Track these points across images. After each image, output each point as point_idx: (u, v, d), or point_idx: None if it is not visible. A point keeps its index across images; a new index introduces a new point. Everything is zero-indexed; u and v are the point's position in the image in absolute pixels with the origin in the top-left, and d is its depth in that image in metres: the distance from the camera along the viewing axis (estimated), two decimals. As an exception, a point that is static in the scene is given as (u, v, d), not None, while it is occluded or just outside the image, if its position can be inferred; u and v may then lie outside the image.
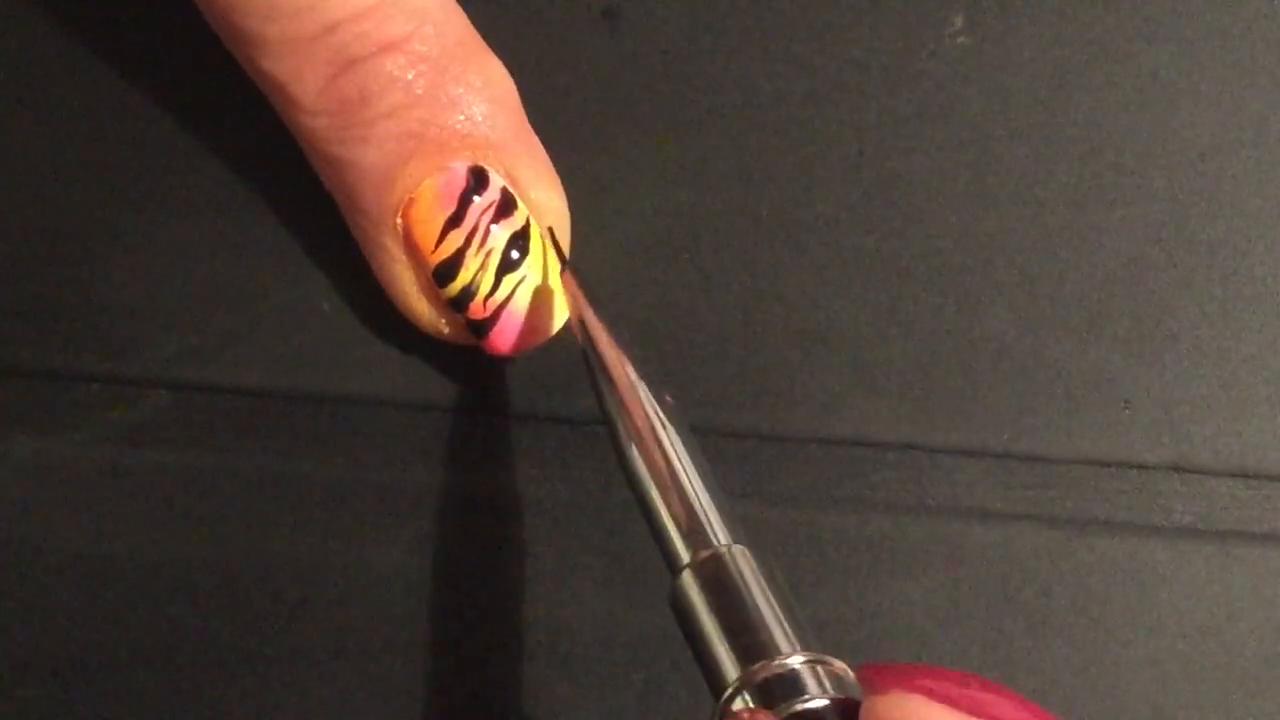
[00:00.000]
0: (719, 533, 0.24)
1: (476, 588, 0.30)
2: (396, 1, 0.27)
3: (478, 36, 0.29)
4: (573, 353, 0.28)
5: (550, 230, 0.29)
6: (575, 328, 0.28)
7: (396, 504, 0.30)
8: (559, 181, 0.30)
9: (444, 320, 0.29)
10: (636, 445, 0.25)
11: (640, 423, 0.25)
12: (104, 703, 0.30)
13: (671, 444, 0.25)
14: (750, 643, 0.23)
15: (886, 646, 0.30)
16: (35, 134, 0.31)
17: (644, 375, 0.26)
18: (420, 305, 0.29)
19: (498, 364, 0.30)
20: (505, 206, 0.29)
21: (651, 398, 0.26)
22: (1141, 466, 0.31)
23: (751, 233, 0.31)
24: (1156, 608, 0.30)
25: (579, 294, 0.28)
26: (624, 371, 0.26)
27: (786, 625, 0.23)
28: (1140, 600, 0.30)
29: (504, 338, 0.29)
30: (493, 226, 0.28)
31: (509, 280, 0.29)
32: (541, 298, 0.29)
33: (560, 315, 0.30)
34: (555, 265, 0.29)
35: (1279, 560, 0.30)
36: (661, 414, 0.26)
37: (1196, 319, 0.31)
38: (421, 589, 0.30)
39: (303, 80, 0.28)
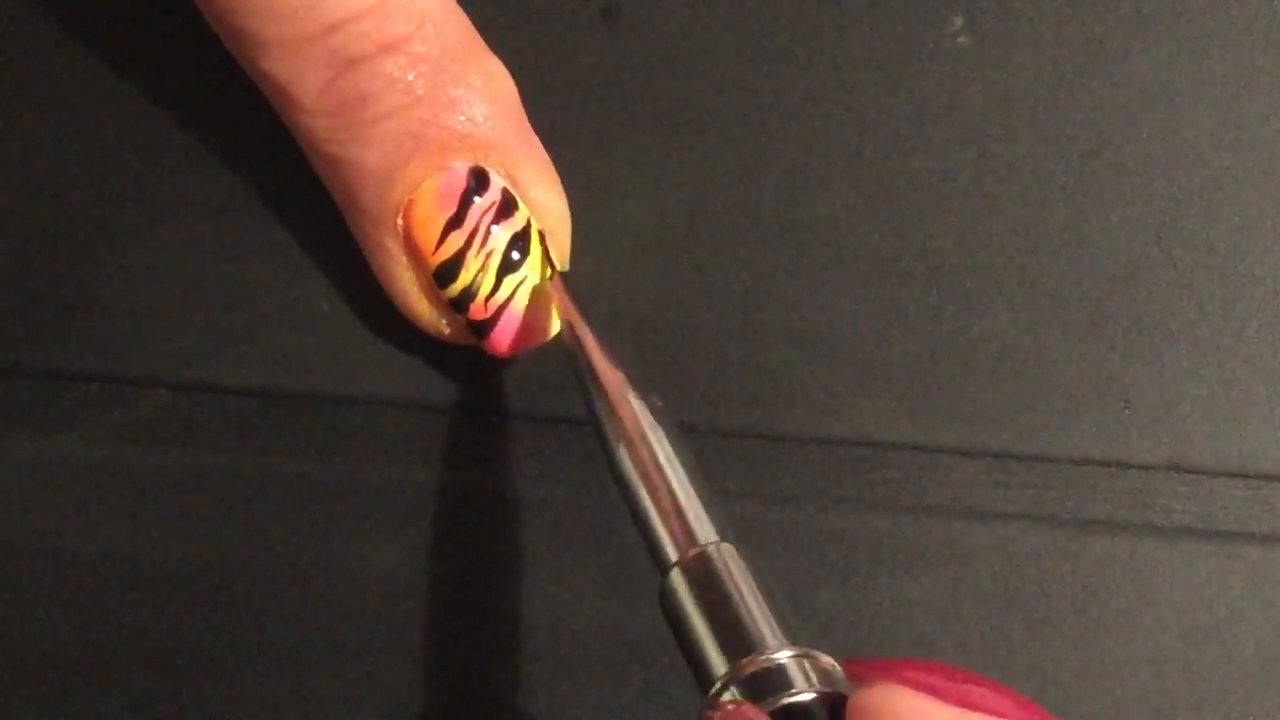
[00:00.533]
0: (707, 531, 0.24)
1: (476, 587, 0.30)
2: (397, 2, 0.27)
3: (478, 36, 0.29)
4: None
5: (541, 234, 0.29)
6: (563, 331, 0.28)
7: (396, 504, 0.30)
8: (559, 181, 0.30)
9: (444, 320, 0.29)
10: (624, 445, 0.25)
11: (627, 423, 0.26)
12: (104, 703, 0.30)
13: (658, 443, 0.25)
14: (738, 638, 0.23)
15: (886, 646, 0.30)
16: (35, 134, 0.31)
17: (631, 378, 0.26)
18: (421, 305, 0.29)
19: (498, 364, 0.30)
20: (506, 207, 0.29)
21: (638, 398, 0.26)
22: (1141, 466, 0.31)
23: (751, 233, 0.31)
24: (1156, 608, 0.30)
25: (567, 299, 0.28)
26: (611, 373, 0.26)
27: (774, 621, 0.23)
28: (1140, 600, 0.30)
29: (504, 338, 0.29)
30: (494, 227, 0.28)
31: (510, 281, 0.29)
32: (542, 298, 0.29)
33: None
34: (547, 268, 0.29)
35: (1279, 560, 0.30)
36: (648, 413, 0.26)
37: (1196, 319, 0.31)
38: (421, 589, 0.30)
39: (303, 80, 0.28)
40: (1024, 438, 0.31)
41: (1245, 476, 0.31)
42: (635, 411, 0.26)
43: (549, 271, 0.29)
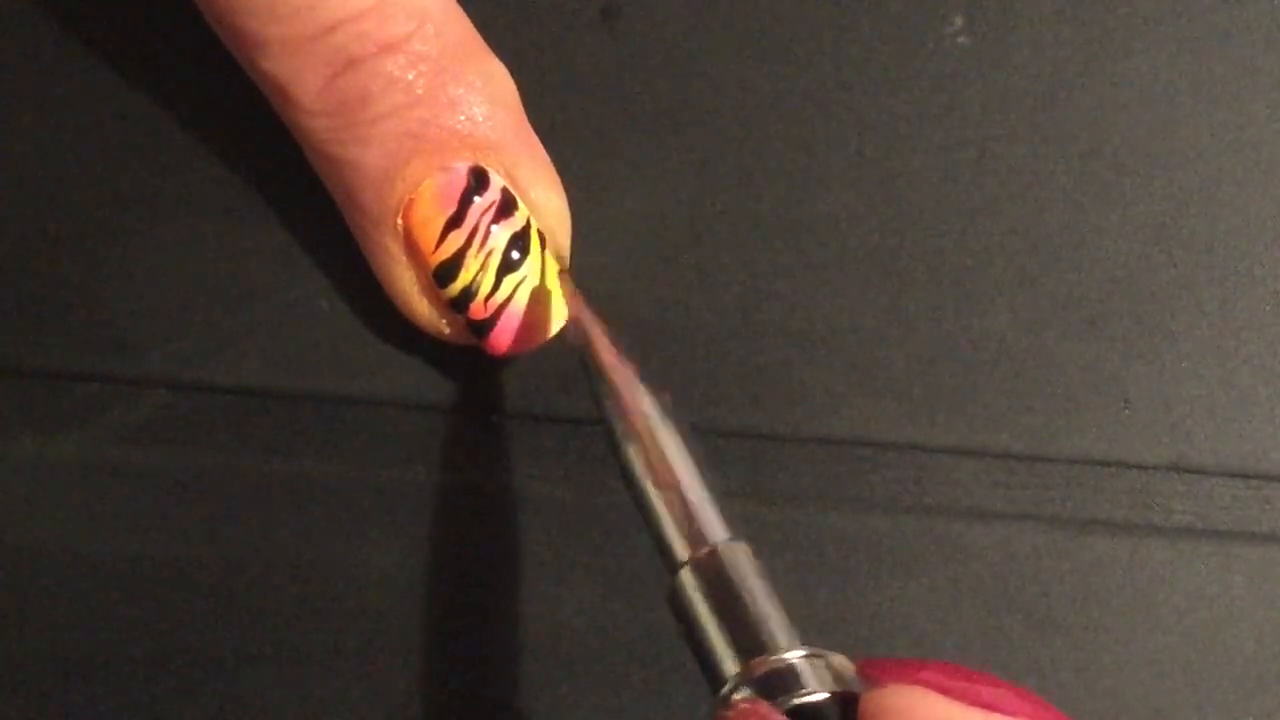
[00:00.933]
0: (716, 529, 0.24)
1: (476, 587, 0.30)
2: (397, 1, 0.27)
3: (478, 36, 0.29)
4: (573, 353, 0.28)
5: (541, 234, 0.29)
6: (572, 328, 0.28)
7: (396, 504, 0.30)
8: (559, 181, 0.30)
9: (444, 320, 0.29)
10: (633, 443, 0.25)
11: (637, 420, 0.25)
12: (104, 703, 0.30)
13: (668, 441, 0.25)
14: (749, 638, 0.23)
15: (886, 646, 0.30)
16: (35, 134, 0.31)
17: (641, 374, 0.26)
18: (420, 305, 0.29)
19: (498, 364, 0.30)
20: (505, 207, 0.29)
21: (648, 395, 0.26)
22: (1141, 466, 0.31)
23: (751, 233, 0.31)
24: (1156, 608, 0.30)
25: (577, 293, 0.28)
26: (621, 370, 0.26)
27: (785, 620, 0.23)
28: (1140, 600, 0.30)
29: (504, 338, 0.29)
30: (493, 227, 0.28)
31: (509, 281, 0.29)
32: (541, 298, 0.29)
33: (560, 315, 0.30)
34: (553, 265, 0.29)
35: (1279, 560, 0.30)
36: (659, 411, 0.26)
37: (1196, 319, 0.31)
38: (421, 589, 0.30)
39: (303, 80, 0.28)
40: (1024, 438, 0.31)
41: (1245, 476, 0.31)
42: (645, 408, 0.26)
43: (557, 267, 0.29)
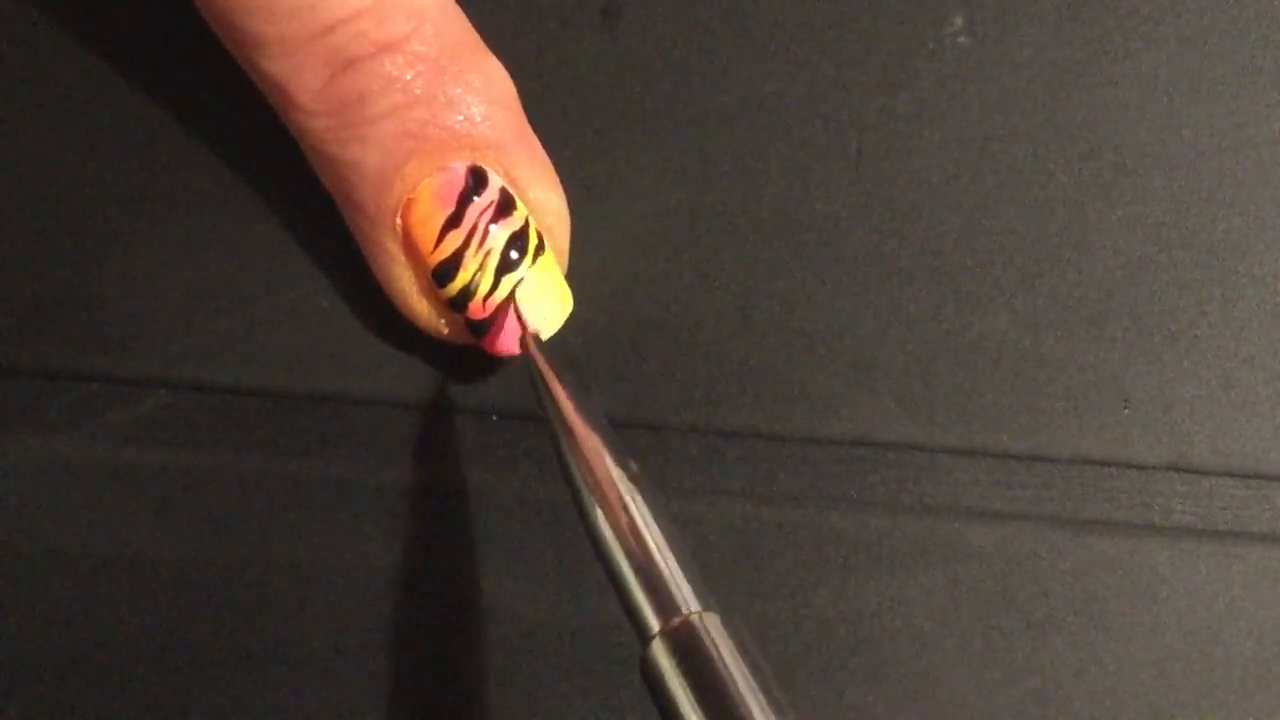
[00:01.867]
0: (689, 600, 0.24)
1: (475, 587, 0.30)
2: (395, 2, 0.27)
3: (477, 36, 0.29)
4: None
5: (513, 297, 0.29)
6: (538, 397, 0.27)
7: (396, 504, 0.30)
8: (558, 181, 0.30)
9: (443, 320, 0.29)
10: (603, 511, 0.25)
11: (606, 489, 0.25)
12: (104, 703, 0.30)
13: (638, 510, 0.25)
14: (723, 711, 0.22)
15: (886, 646, 0.30)
16: (35, 134, 0.31)
17: (608, 442, 0.26)
18: (420, 305, 0.29)
19: (497, 364, 0.30)
20: (504, 206, 0.29)
21: (616, 464, 0.25)
22: (1141, 466, 0.31)
23: (751, 233, 0.31)
24: (1156, 608, 0.30)
25: (540, 360, 0.28)
26: (588, 436, 0.26)
27: (759, 693, 0.23)
28: (1140, 600, 0.30)
29: (503, 337, 0.29)
30: (491, 226, 0.28)
31: (508, 280, 0.29)
32: (539, 297, 0.29)
33: (561, 314, 0.29)
34: (552, 264, 0.29)
35: (1279, 560, 0.30)
36: (628, 479, 0.25)
37: (1196, 319, 0.31)
38: (421, 589, 0.30)
39: (301, 80, 0.28)
40: (1024, 438, 0.31)
41: (1245, 476, 0.31)
42: (613, 476, 0.25)
43: (524, 330, 0.29)
